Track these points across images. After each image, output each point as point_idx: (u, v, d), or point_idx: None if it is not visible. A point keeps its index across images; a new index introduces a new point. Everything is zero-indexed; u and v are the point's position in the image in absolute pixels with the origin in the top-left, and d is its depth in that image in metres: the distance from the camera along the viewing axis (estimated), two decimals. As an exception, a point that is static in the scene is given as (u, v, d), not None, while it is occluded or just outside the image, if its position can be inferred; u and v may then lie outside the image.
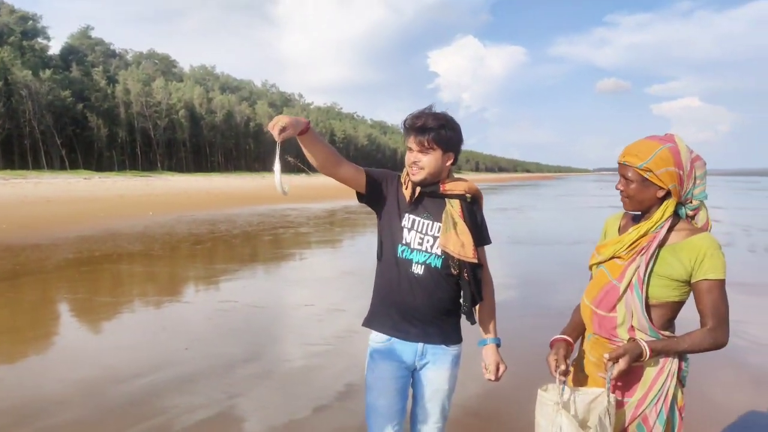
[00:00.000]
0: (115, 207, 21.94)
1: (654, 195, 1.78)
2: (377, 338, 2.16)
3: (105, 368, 4.61)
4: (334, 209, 25.28)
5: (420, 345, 2.11)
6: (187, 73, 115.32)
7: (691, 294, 1.80)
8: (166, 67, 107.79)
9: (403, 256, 2.10)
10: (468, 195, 2.13)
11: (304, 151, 1.94)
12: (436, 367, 2.14)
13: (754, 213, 21.06)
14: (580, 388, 1.87)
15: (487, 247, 2.22)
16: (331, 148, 2.04)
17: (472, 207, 2.16)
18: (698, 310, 1.77)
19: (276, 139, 1.79)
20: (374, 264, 2.19)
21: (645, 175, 1.76)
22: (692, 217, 1.85)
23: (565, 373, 1.85)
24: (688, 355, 1.84)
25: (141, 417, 3.68)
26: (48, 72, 64.44)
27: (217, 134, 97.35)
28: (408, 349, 2.11)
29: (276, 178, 1.87)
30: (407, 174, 2.11)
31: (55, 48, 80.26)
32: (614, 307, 1.81)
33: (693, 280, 1.75)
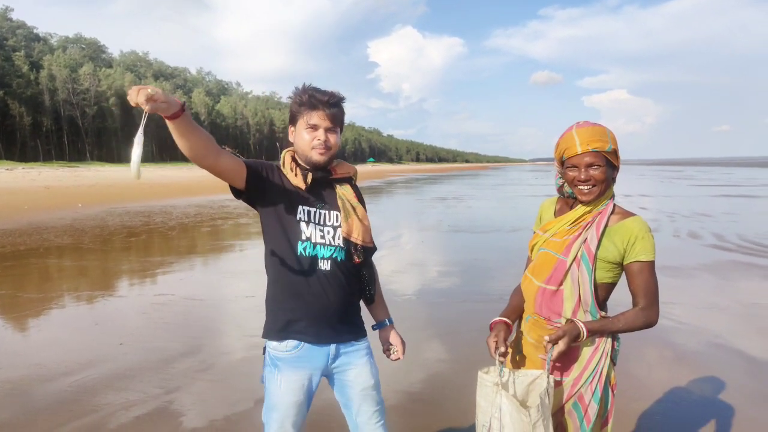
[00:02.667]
0: (41, 199, 20.79)
1: (612, 177, 1.85)
2: (282, 347, 1.93)
3: (32, 367, 4.37)
4: (274, 200, 24.91)
5: (332, 347, 1.96)
6: (117, 59, 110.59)
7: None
8: (94, 52, 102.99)
9: (306, 253, 1.91)
10: (353, 176, 2.05)
11: (176, 138, 1.62)
12: (354, 367, 2.01)
13: (679, 200, 22.19)
14: (519, 369, 1.92)
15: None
16: (209, 136, 1.73)
17: (357, 189, 2.06)
18: (630, 290, 1.85)
19: (143, 109, 1.46)
20: None
21: (609, 158, 1.80)
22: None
23: (504, 354, 1.89)
24: (620, 335, 1.91)
25: (72, 416, 3.52)
26: (-37, 56, 60.40)
27: (150, 123, 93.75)
28: (319, 354, 1.95)
29: (134, 156, 1.48)
30: (292, 159, 1.94)
31: (-30, 30, 75.24)
32: (562, 281, 1.86)
33: (625, 262, 1.82)
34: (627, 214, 1.86)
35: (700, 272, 8.05)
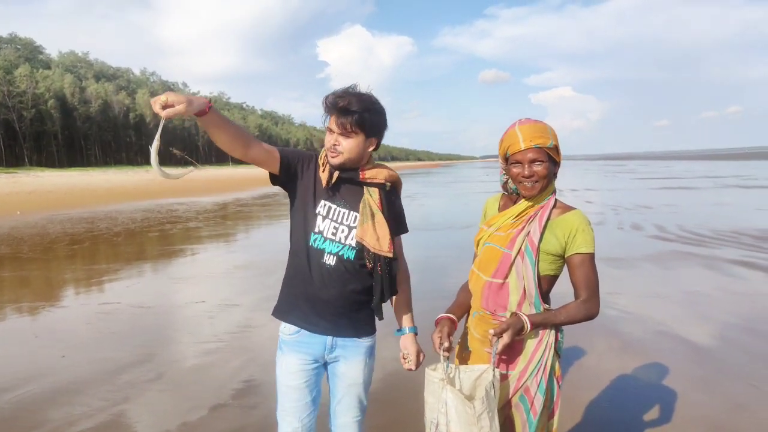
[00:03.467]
0: (-25, 207, 19.79)
1: (554, 172, 1.88)
2: (286, 330, 2.04)
3: (-34, 385, 4.14)
4: (225, 202, 24.49)
5: (329, 338, 2.02)
6: (55, 60, 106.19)
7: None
8: (30, 53, 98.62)
9: (315, 245, 1.98)
10: (388, 183, 2.03)
11: (209, 133, 1.75)
12: (347, 361, 2.06)
13: (622, 194, 22.97)
14: (466, 365, 1.93)
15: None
16: (239, 128, 1.83)
17: (391, 196, 2.06)
18: (572, 282, 1.89)
19: (161, 116, 1.58)
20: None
21: (551, 154, 1.84)
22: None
23: (449, 350, 1.90)
24: (564, 327, 1.96)
25: (11, 435, 3.35)
26: None
27: (92, 126, 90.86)
28: (316, 342, 2.01)
29: (152, 159, 1.68)
30: (325, 156, 1.97)
31: None
32: (507, 274, 1.88)
33: (567, 254, 1.86)
34: (567, 208, 1.91)
35: (643, 262, 8.35)
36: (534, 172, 1.83)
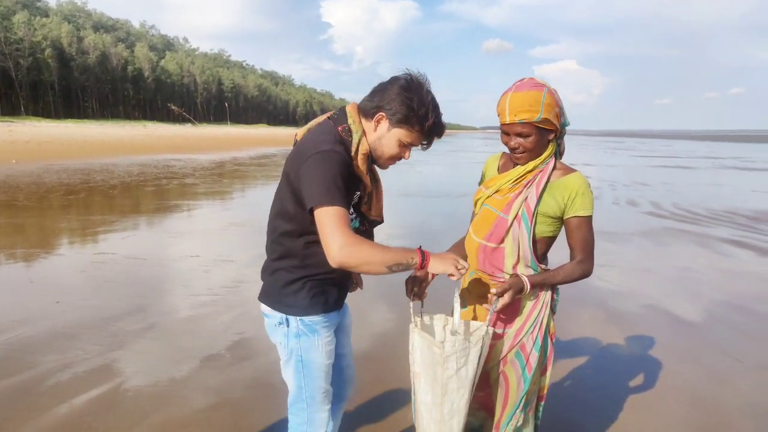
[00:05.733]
0: (-30, 154, 19.65)
1: (547, 139, 1.86)
2: (322, 320, 1.87)
3: (-39, 325, 4.19)
4: (222, 160, 24.38)
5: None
6: (53, 8, 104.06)
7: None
8: (28, 0, 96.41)
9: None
10: None
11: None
12: (344, 312, 2.10)
13: (620, 170, 22.95)
14: (463, 320, 1.97)
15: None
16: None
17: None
18: (569, 244, 1.91)
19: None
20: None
21: (542, 126, 1.80)
22: (560, 146, 1.95)
23: (418, 296, 1.93)
24: (559, 287, 1.99)
25: (6, 373, 3.41)
26: None
27: (90, 77, 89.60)
28: (337, 313, 1.97)
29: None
30: (365, 158, 1.77)
31: None
32: (503, 239, 1.89)
33: (565, 217, 1.87)
34: (568, 170, 1.91)
35: (637, 237, 8.40)
36: (519, 144, 1.83)
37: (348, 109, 1.81)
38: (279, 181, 1.85)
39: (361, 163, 1.75)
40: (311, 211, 1.63)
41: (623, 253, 7.35)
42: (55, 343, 3.90)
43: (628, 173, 21.01)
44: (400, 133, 1.76)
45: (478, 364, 1.80)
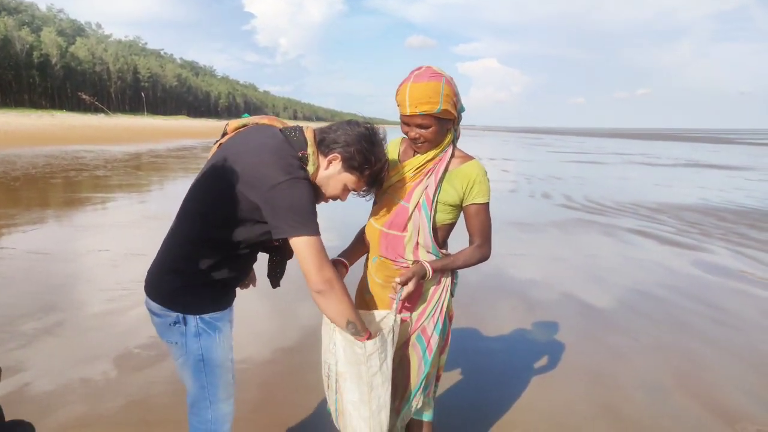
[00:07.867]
0: None
1: (446, 128, 1.89)
2: (222, 316, 1.80)
3: None
4: (138, 152, 23.36)
5: None
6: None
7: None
8: None
9: None
10: None
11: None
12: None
13: (536, 165, 23.86)
14: (367, 311, 1.99)
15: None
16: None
17: None
18: (468, 229, 1.98)
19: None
20: None
21: (442, 116, 1.83)
22: (456, 132, 1.99)
23: None
24: (459, 271, 2.05)
25: None
26: None
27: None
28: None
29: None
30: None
31: None
32: (405, 227, 1.92)
33: (464, 204, 1.93)
34: (466, 158, 1.96)
35: (549, 228, 8.78)
36: (420, 135, 1.85)
37: (307, 134, 1.74)
38: (203, 176, 1.72)
39: None
40: (287, 238, 1.61)
41: (537, 242, 7.66)
42: (-58, 344, 3.62)
43: (543, 168, 21.88)
44: (348, 179, 1.77)
45: (393, 353, 1.83)
